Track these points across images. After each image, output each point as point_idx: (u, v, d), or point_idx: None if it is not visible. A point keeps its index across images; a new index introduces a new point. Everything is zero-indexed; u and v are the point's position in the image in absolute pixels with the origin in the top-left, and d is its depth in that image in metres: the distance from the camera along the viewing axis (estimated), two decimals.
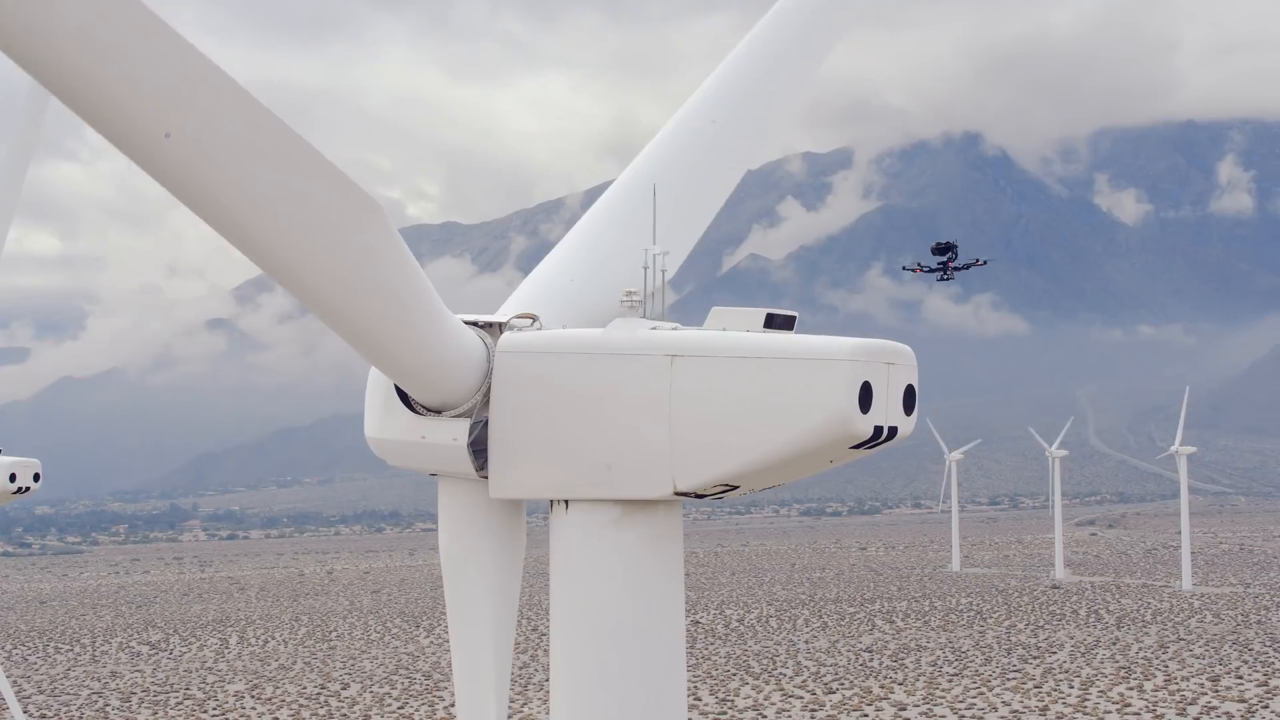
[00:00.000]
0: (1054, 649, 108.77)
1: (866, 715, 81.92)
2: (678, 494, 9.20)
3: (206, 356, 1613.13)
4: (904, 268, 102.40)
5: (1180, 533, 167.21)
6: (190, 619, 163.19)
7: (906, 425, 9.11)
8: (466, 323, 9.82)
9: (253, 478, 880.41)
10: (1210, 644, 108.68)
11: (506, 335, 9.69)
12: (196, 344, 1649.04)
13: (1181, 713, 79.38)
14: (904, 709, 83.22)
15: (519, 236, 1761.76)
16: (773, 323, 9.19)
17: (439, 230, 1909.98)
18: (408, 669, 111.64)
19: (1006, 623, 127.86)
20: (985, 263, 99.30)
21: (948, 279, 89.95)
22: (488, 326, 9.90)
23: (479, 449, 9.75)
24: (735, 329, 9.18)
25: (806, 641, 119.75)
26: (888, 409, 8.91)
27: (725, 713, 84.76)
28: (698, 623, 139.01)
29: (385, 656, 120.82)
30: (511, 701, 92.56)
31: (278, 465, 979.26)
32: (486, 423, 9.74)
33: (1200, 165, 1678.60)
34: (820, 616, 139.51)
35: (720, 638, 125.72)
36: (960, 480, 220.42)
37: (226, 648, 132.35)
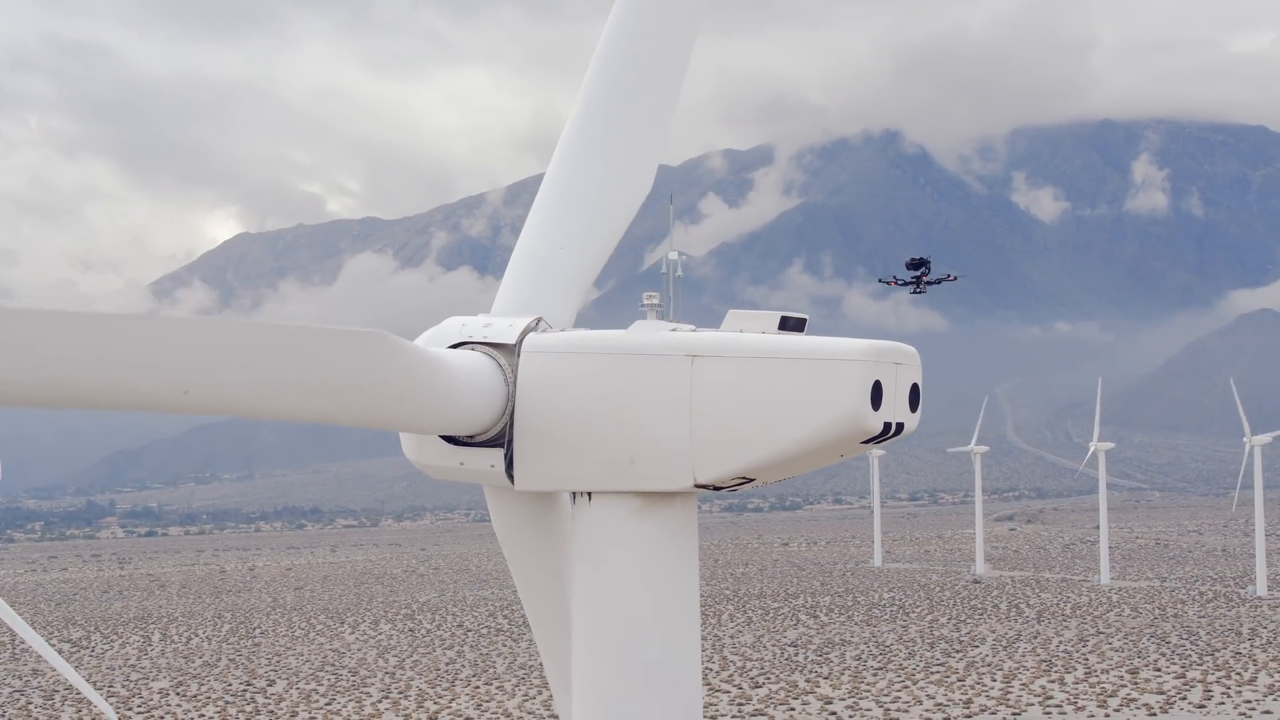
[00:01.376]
0: (976, 643, 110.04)
1: (793, 709, 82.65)
2: (698, 486, 9.64)
3: None
4: (880, 279, 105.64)
5: (1099, 528, 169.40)
6: (111, 616, 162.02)
7: (912, 421, 9.65)
8: (478, 344, 10.13)
9: (171, 474, 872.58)
10: (1129, 637, 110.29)
11: (531, 336, 10.04)
12: None
13: (1102, 704, 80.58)
14: (830, 703, 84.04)
15: (440, 232, 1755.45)
16: (786, 324, 9.70)
17: (359, 225, 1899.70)
18: (334, 665, 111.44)
19: (929, 617, 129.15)
20: (955, 278, 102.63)
21: (920, 292, 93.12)
22: (500, 347, 10.14)
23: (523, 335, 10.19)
24: (751, 330, 9.67)
25: (732, 636, 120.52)
26: (896, 406, 9.44)
27: None
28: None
29: (310, 653, 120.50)
30: (502, 689, 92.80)
31: (196, 462, 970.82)
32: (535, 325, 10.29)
33: (1116, 164, 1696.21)
34: (744, 612, 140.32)
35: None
36: (881, 476, 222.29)
37: (149, 645, 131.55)
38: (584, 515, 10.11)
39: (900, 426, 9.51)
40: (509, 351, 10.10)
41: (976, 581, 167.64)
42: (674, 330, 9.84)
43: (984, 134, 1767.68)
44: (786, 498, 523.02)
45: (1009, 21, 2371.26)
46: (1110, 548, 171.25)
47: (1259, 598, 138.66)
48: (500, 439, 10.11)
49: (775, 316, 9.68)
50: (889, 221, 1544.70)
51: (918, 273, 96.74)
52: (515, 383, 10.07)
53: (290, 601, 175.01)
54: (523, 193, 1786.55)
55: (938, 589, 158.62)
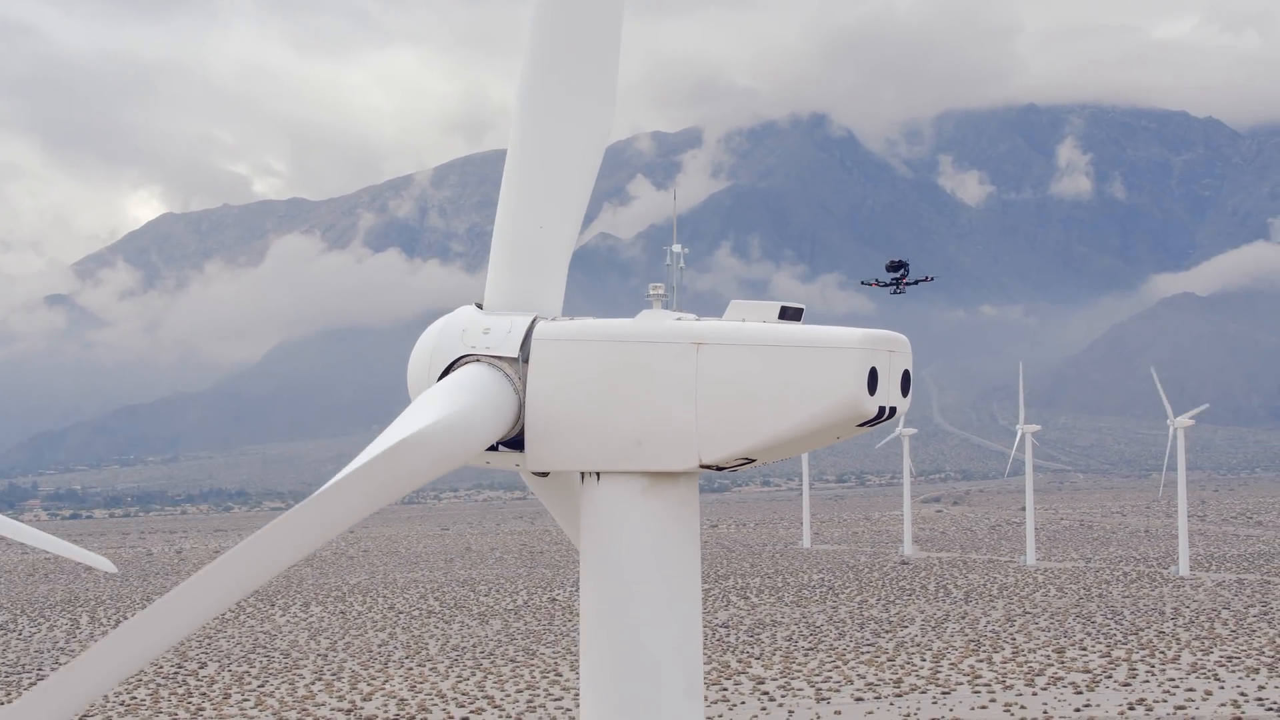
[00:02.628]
0: (905, 623, 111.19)
1: (725, 690, 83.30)
2: (702, 467, 10.23)
3: (45, 333, 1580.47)
4: (862, 282, 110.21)
5: (1024, 509, 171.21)
6: (37, 599, 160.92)
7: (903, 405, 10.27)
8: (487, 358, 10.80)
9: (94, 456, 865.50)
10: (1055, 617, 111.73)
11: (541, 325, 10.64)
12: (35, 320, 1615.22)
13: (1029, 683, 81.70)
14: (762, 682, 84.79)
15: (367, 213, 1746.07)
16: (785, 314, 10.28)
17: (285, 206, 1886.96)
18: (265, 648, 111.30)
19: (858, 598, 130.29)
20: (932, 279, 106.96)
21: (899, 293, 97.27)
22: (504, 360, 10.77)
23: (528, 335, 10.90)
24: (753, 320, 10.24)
25: None
26: (889, 391, 10.03)
27: (585, 688, 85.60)
28: (555, 600, 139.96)
29: (241, 635, 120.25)
30: (436, 670, 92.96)
31: (120, 444, 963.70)
32: (534, 323, 10.95)
33: (1040, 148, 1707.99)
34: None
35: (578, 614, 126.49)
36: (809, 458, 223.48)
37: (78, 628, 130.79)
38: (592, 494, 10.63)
39: (893, 410, 10.11)
40: (514, 361, 10.68)
41: (905, 563, 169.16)
42: (679, 319, 10.38)
43: (910, 118, 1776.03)
44: (714, 480, 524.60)
45: (935, 6, 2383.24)
46: (1035, 529, 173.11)
47: (1181, 578, 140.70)
48: (519, 440, 10.68)
49: (775, 306, 10.26)
50: (816, 204, 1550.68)
51: (898, 274, 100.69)
52: (525, 389, 10.64)
53: None
54: (450, 174, 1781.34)
55: (866, 570, 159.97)
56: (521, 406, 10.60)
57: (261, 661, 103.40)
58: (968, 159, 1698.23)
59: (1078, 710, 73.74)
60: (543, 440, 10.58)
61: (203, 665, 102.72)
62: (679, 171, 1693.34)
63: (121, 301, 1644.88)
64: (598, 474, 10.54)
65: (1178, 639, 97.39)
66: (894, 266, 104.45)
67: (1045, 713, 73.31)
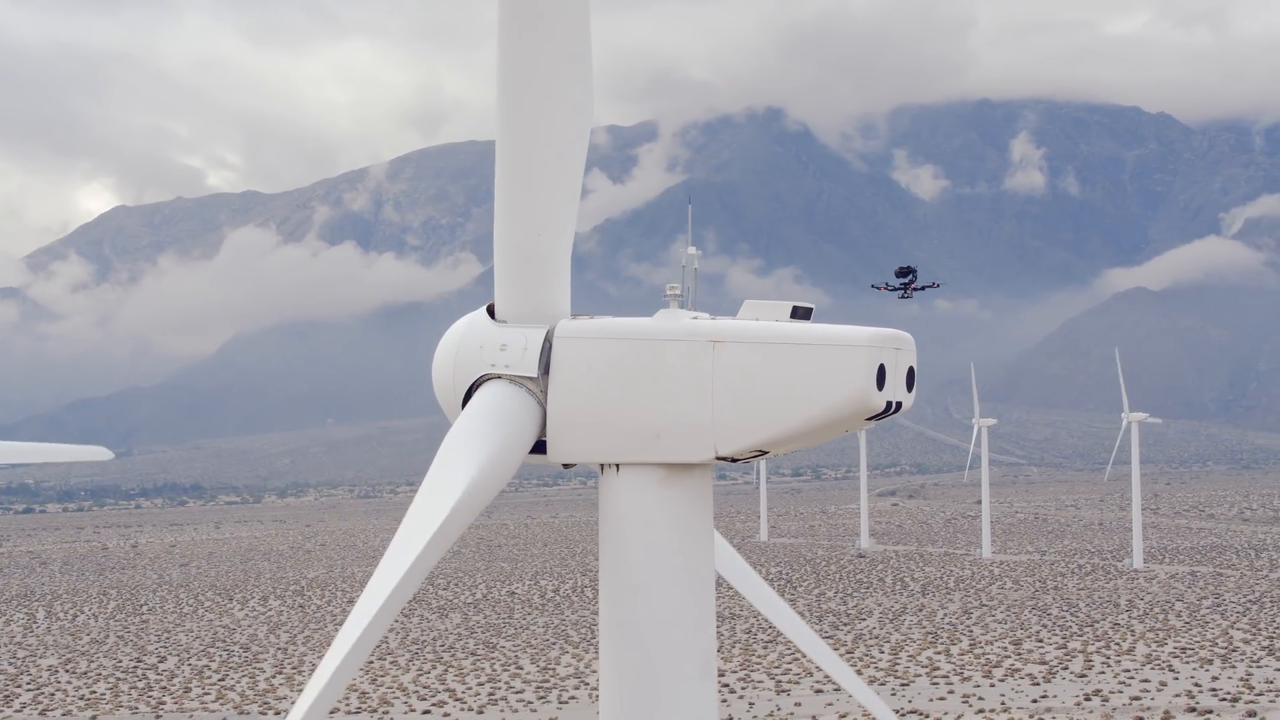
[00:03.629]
0: (863, 615, 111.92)
1: None
2: (718, 459, 10.77)
3: None
4: (872, 285, 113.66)
5: (979, 502, 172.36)
6: None
7: (908, 400, 10.94)
8: (509, 376, 11.47)
9: None
10: (1011, 609, 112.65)
11: (563, 323, 11.16)
12: None
13: (987, 675, 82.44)
14: (723, 674, 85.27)
15: (322, 206, 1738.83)
16: (796, 313, 10.88)
17: (240, 199, 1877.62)
18: (225, 641, 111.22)
19: (816, 591, 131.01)
20: (939, 285, 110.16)
21: (907, 298, 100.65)
22: (531, 379, 11.42)
23: (545, 351, 11.52)
24: (766, 319, 10.82)
25: None
26: (896, 387, 10.68)
27: (548, 680, 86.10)
28: (514, 593, 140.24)
29: (200, 629, 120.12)
30: (396, 664, 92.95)
31: (72, 437, 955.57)
32: (551, 339, 11.51)
33: (995, 143, 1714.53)
34: None
35: (537, 608, 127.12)
36: None
37: (34, 622, 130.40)
38: (612, 484, 11.20)
39: (899, 404, 10.77)
40: (535, 379, 11.31)
41: (861, 556, 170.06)
42: (695, 318, 10.94)
43: (866, 112, 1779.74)
44: None
45: (890, 1, 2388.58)
46: (990, 522, 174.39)
47: (1135, 570, 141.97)
48: (543, 444, 11.34)
49: (787, 306, 10.87)
50: (772, 199, 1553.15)
51: (906, 280, 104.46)
52: (547, 398, 11.26)
53: (176, 578, 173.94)
54: (405, 167, 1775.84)
55: (823, 563, 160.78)
56: (544, 414, 11.12)
57: (221, 655, 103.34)
58: (922, 153, 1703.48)
59: (1035, 701, 74.50)
60: (565, 435, 11.14)
61: (161, 659, 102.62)
62: (634, 165, 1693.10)
63: (74, 294, 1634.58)
64: (617, 465, 11.07)
65: (1132, 631, 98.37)
66: (902, 272, 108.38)
67: (1003, 704, 74.04)
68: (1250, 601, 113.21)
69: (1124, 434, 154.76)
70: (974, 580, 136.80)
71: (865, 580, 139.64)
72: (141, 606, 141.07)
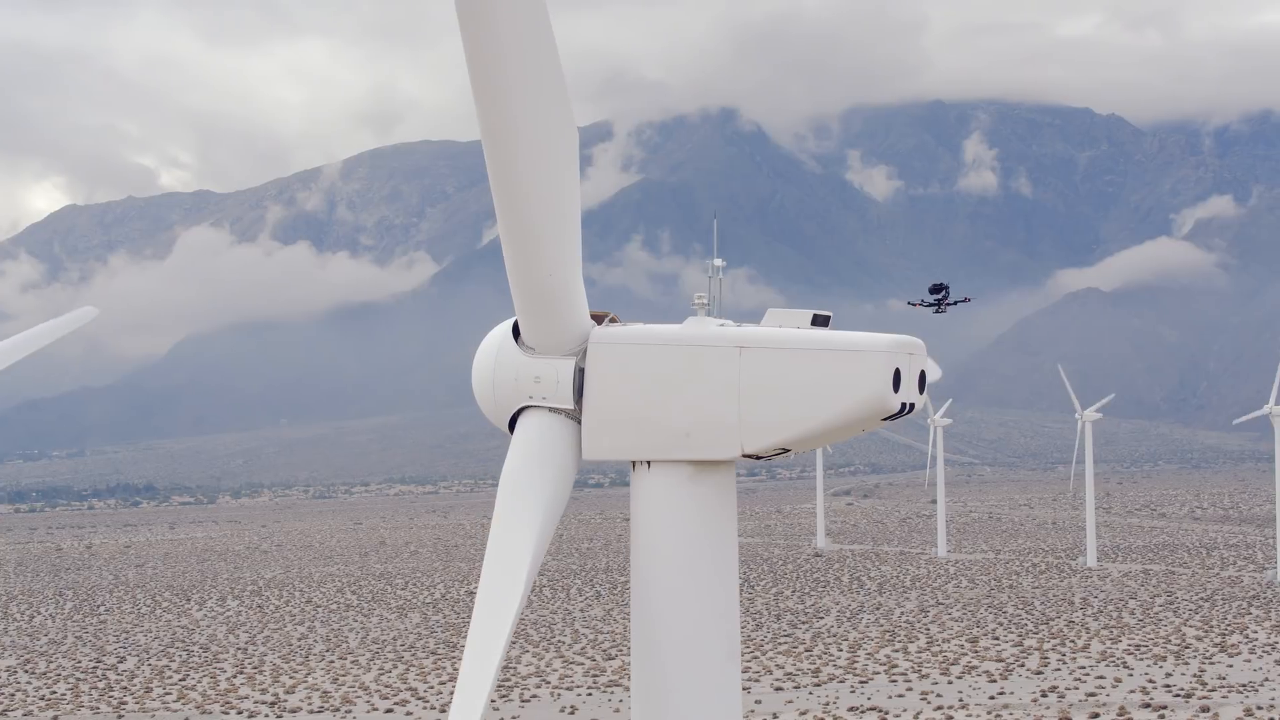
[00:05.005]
0: (821, 614, 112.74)
1: None
2: (744, 456, 11.22)
3: None
4: (909, 302, 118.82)
5: (934, 502, 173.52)
6: None
7: (920, 402, 11.76)
8: (548, 408, 12.46)
9: None
10: (967, 608, 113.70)
11: (598, 329, 11.81)
12: None
13: (944, 672, 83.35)
14: None
15: (275, 206, 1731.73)
16: (816, 321, 11.71)
17: (192, 199, 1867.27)
18: (184, 641, 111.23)
19: (774, 590, 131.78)
20: (970, 300, 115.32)
21: (941, 312, 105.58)
22: (568, 410, 12.49)
23: (578, 386, 12.22)
24: (788, 326, 11.39)
25: (582, 610, 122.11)
26: (910, 389, 11.47)
27: (509, 679, 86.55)
28: (473, 593, 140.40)
29: (159, 630, 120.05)
30: (357, 663, 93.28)
31: (23, 438, 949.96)
32: (583, 370, 12.21)
33: (947, 144, 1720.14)
34: (592, 586, 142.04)
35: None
36: None
37: None
38: (644, 480, 12.08)
39: (912, 406, 11.25)
40: (572, 409, 12.22)
41: (818, 555, 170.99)
42: (722, 325, 11.38)
43: (819, 113, 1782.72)
44: (626, 474, 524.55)
45: (843, 2, 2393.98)
46: (945, 521, 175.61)
47: (1089, 568, 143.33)
48: (571, 354, 12.22)
49: (808, 315, 11.48)
50: (726, 199, 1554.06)
51: (939, 296, 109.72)
52: (581, 411, 12.18)
53: (133, 579, 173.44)
54: (359, 167, 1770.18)
55: (780, 562, 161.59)
56: (584, 343, 12.11)
57: (181, 655, 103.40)
58: (876, 154, 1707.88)
59: (992, 698, 75.39)
60: (600, 435, 11.79)
61: (121, 660, 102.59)
62: (589, 165, 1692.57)
63: (24, 294, 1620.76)
64: (648, 462, 11.85)
65: (1087, 628, 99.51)
66: (936, 289, 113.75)
67: (961, 701, 74.91)
68: (1202, 599, 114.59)
69: (1080, 434, 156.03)
70: (930, 579, 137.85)
71: (822, 579, 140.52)
72: (99, 607, 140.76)
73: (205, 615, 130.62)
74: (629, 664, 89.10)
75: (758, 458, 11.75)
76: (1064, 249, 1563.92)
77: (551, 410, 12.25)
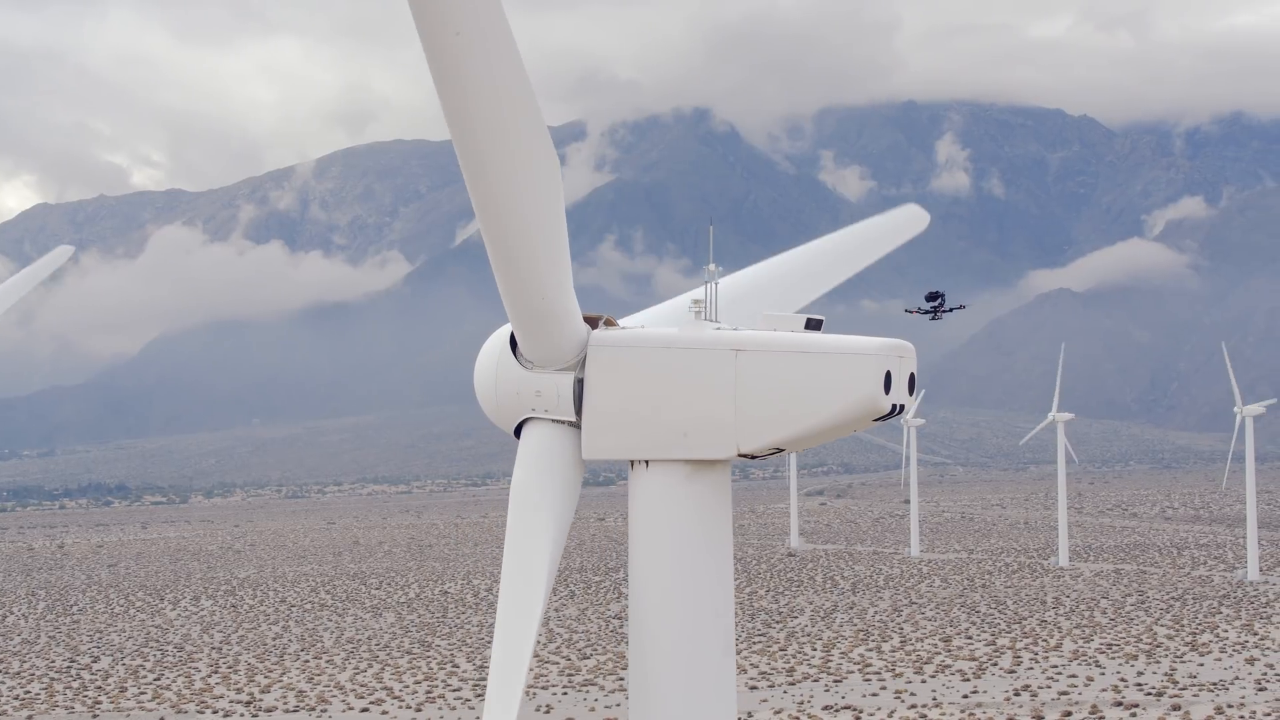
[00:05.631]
0: (795, 614, 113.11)
1: (621, 680, 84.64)
2: (740, 455, 11.52)
3: None
4: (905, 310, 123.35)
5: (907, 502, 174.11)
6: None
7: (910, 403, 12.10)
8: (550, 420, 12.70)
9: None
10: (940, 607, 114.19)
11: (598, 332, 12.17)
12: None
13: (918, 671, 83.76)
14: None
15: (248, 205, 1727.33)
16: (809, 325, 11.97)
17: (164, 198, 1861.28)
18: (158, 641, 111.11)
19: (748, 589, 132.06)
20: (965, 307, 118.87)
21: (937, 319, 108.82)
22: (586, 319, 12.65)
23: (578, 398, 12.51)
24: (783, 329, 11.64)
25: (556, 610, 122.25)
26: (900, 391, 11.83)
27: (484, 679, 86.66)
28: (447, 593, 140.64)
29: (133, 629, 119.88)
30: (332, 663, 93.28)
31: None
32: (582, 380, 12.51)
33: (920, 145, 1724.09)
34: (567, 585, 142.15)
35: (471, 607, 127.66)
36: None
37: None
38: (642, 479, 12.37)
39: (902, 407, 11.58)
40: (573, 422, 12.56)
41: (792, 554, 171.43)
42: (718, 329, 11.69)
43: (792, 113, 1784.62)
44: (599, 474, 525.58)
45: (817, 3, 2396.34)
46: (918, 521, 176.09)
47: (1061, 568, 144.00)
48: (570, 368, 12.54)
49: (801, 319, 11.70)
50: (699, 199, 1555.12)
51: (935, 303, 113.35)
52: (581, 416, 12.48)
53: (105, 578, 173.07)
54: (332, 166, 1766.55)
55: (754, 562, 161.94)
56: (583, 352, 12.45)
57: (155, 655, 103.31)
58: (849, 154, 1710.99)
59: (965, 697, 75.82)
60: (599, 435, 12.07)
61: (95, 659, 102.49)
62: (563, 165, 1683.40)
63: None
64: (646, 461, 12.10)
65: (1059, 627, 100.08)
66: (932, 296, 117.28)
67: (934, 699, 75.32)
68: (1173, 598, 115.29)
69: (1052, 432, 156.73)
70: (903, 578, 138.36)
71: (796, 579, 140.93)
72: (72, 607, 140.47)
73: (179, 615, 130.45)
74: (604, 663, 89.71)
75: (753, 457, 12.05)
76: (1036, 250, 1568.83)
77: (554, 421, 12.59)
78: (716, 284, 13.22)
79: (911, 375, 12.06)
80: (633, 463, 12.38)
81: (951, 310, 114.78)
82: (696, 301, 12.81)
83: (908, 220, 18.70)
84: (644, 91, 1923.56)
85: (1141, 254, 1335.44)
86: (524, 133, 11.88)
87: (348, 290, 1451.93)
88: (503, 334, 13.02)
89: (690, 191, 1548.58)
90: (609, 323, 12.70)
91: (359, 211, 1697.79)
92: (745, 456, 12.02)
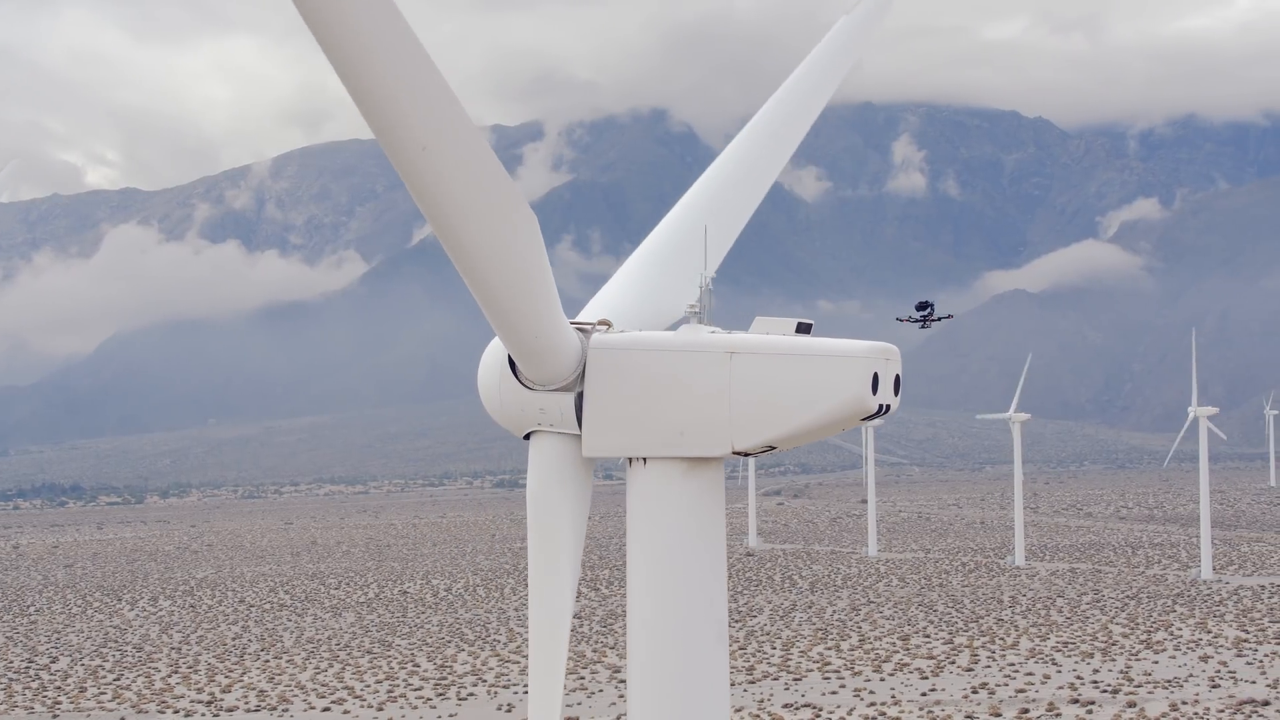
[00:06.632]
0: (754, 613, 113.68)
1: (583, 678, 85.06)
2: (735, 453, 12.07)
3: None
4: (896, 318, 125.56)
5: (864, 501, 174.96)
6: None
7: (895, 403, 12.67)
8: (556, 433, 13.23)
9: None
10: (898, 606, 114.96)
11: (598, 335, 12.60)
12: None
13: (877, 669, 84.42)
14: (618, 671, 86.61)
15: (204, 204, 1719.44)
16: (800, 329, 12.62)
17: (118, 196, 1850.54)
18: (117, 642, 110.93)
19: None
20: (952, 317, 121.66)
21: (926, 328, 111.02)
22: (579, 327, 13.11)
23: (579, 412, 13.03)
24: (775, 333, 12.21)
25: (516, 609, 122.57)
26: (886, 392, 12.44)
27: (446, 678, 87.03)
28: (406, 593, 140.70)
29: (91, 630, 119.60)
30: (293, 662, 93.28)
31: None
32: (582, 393, 13.03)
33: (876, 146, 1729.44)
34: (526, 585, 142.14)
35: (431, 607, 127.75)
36: None
37: None
38: (640, 476, 12.93)
39: (888, 406, 12.14)
40: (588, 333, 13.20)
41: (750, 554, 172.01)
42: (713, 333, 12.24)
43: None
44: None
45: (773, 3, 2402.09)
46: (876, 520, 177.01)
47: (1018, 567, 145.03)
48: (569, 388, 12.99)
49: (792, 323, 12.29)
50: (657, 199, 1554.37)
51: (925, 312, 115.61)
52: (581, 422, 13.05)
53: (62, 579, 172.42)
54: (288, 165, 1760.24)
55: None
56: (582, 365, 12.94)
57: (114, 655, 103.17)
58: (805, 155, 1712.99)
59: (924, 694, 76.51)
60: (599, 434, 12.58)
61: (54, 660, 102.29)
62: (519, 165, 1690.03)
63: None
64: (644, 459, 12.55)
65: (1016, 626, 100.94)
66: (921, 306, 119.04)
67: (893, 697, 75.98)
68: (1128, 597, 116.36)
69: (1007, 432, 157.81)
70: (861, 578, 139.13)
71: (755, 578, 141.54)
72: (29, 607, 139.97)
73: (137, 615, 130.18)
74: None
75: (747, 454, 12.53)
76: (992, 251, 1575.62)
77: (561, 434, 13.19)
78: (711, 290, 13.73)
79: (897, 377, 12.62)
80: (631, 460, 12.90)
81: (940, 319, 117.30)
82: (691, 306, 13.45)
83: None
84: (601, 92, 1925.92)
85: (1096, 255, 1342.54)
86: (493, 199, 12.05)
87: (304, 290, 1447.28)
88: (501, 351, 13.41)
89: (647, 191, 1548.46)
90: (605, 324, 13.18)
91: (315, 211, 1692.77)
92: (739, 454, 12.51)
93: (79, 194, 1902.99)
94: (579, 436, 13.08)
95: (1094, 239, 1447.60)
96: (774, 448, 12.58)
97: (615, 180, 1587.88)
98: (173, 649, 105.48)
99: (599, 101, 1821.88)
